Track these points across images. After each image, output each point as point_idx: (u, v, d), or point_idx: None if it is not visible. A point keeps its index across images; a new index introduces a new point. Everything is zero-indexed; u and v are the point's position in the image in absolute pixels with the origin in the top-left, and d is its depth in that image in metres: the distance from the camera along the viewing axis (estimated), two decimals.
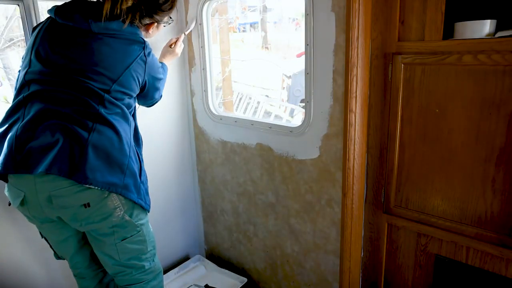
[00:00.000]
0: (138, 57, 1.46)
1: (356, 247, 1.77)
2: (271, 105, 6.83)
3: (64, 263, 2.01)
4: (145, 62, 1.50)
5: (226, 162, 2.25)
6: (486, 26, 1.28)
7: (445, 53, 1.35)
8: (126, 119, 1.47)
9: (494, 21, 1.29)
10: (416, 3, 1.39)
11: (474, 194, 1.40)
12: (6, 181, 1.41)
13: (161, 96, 1.81)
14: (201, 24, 2.13)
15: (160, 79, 1.69)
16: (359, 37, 1.48)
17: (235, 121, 2.12)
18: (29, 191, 1.33)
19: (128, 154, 1.42)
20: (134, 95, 1.55)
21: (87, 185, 1.29)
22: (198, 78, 2.26)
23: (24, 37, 1.74)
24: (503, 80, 1.25)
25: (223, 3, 4.25)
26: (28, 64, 1.40)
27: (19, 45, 4.29)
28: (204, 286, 2.24)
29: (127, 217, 1.44)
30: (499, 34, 1.27)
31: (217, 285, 2.26)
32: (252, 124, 2.03)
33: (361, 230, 1.78)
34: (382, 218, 1.69)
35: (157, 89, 1.70)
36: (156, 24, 1.54)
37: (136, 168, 1.46)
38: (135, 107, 1.61)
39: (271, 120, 3.60)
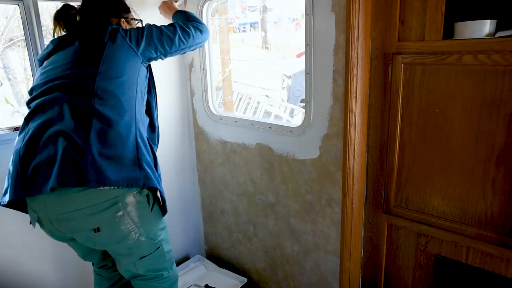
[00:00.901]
0: (108, 32, 1.43)
1: (356, 247, 1.77)
2: (271, 105, 6.83)
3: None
4: (118, 29, 1.45)
5: (226, 162, 2.25)
6: (486, 26, 1.28)
7: (445, 53, 1.35)
8: (126, 106, 1.37)
9: (494, 21, 1.29)
10: (416, 3, 1.39)
11: (474, 194, 1.40)
12: (21, 208, 1.38)
13: (185, 38, 1.60)
14: None
15: (157, 27, 1.55)
16: (359, 37, 1.48)
17: (235, 121, 2.12)
18: (41, 212, 1.31)
19: (134, 144, 1.34)
20: (135, 57, 1.44)
21: (102, 187, 1.23)
22: (198, 78, 2.26)
23: (24, 37, 1.74)
24: (503, 80, 1.25)
25: (223, 3, 4.25)
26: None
27: (19, 45, 4.29)
28: (204, 286, 2.24)
29: (142, 238, 1.39)
30: (499, 34, 1.27)
31: (217, 285, 2.26)
32: (252, 124, 2.03)
33: (361, 230, 1.78)
34: (382, 218, 1.69)
35: (162, 32, 1.54)
36: (124, 20, 1.59)
37: (150, 160, 1.39)
38: (150, 102, 1.55)
39: (271, 120, 3.60)
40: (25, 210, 1.39)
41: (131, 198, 1.33)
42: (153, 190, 1.41)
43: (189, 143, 2.46)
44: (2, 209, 1.77)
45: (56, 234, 1.38)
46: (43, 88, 1.36)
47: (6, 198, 1.27)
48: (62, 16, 1.50)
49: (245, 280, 2.28)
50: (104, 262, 1.66)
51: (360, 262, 1.82)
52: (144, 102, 1.51)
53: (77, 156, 1.23)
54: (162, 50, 1.53)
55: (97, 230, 1.30)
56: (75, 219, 1.28)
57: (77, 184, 1.21)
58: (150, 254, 1.45)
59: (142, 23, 1.65)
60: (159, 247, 1.47)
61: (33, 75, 1.79)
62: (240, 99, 6.80)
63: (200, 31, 1.66)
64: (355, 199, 1.68)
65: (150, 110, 1.59)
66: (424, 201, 1.54)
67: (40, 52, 1.75)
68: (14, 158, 1.29)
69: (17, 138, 1.37)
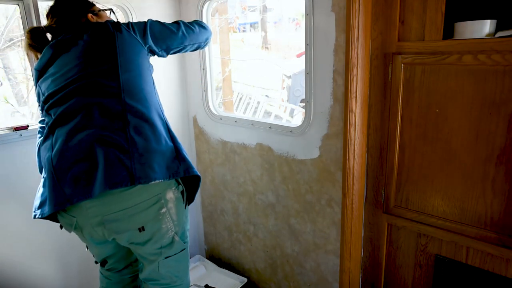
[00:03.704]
0: (110, 23, 1.39)
1: (356, 247, 1.77)
2: (271, 105, 6.83)
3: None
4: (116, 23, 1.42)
5: (226, 162, 2.25)
6: (486, 26, 1.28)
7: (445, 53, 1.35)
8: (150, 99, 1.37)
9: (494, 21, 1.29)
10: (416, 3, 1.39)
11: (474, 194, 1.40)
12: (55, 219, 1.36)
13: (188, 33, 1.57)
14: None
15: (160, 22, 1.52)
16: (359, 37, 1.48)
17: (235, 121, 2.12)
18: (80, 217, 1.29)
19: (169, 135, 1.36)
20: (143, 44, 1.41)
21: (153, 181, 1.23)
22: (198, 78, 2.26)
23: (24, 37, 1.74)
24: (503, 80, 1.25)
25: (223, 3, 4.25)
26: None
27: (19, 45, 4.29)
28: (204, 286, 2.24)
29: (176, 238, 1.40)
30: (499, 34, 1.27)
31: (217, 285, 2.26)
32: (252, 124, 2.03)
33: (361, 230, 1.78)
34: (382, 218, 1.69)
35: (166, 26, 1.51)
36: (91, 15, 1.50)
37: (184, 150, 1.39)
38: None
39: (271, 120, 3.60)
40: (54, 219, 1.37)
41: (170, 194, 1.34)
42: (189, 183, 1.42)
43: (189, 143, 2.46)
44: (4, 209, 1.77)
45: (93, 237, 1.36)
46: (60, 95, 1.32)
47: (46, 210, 1.25)
48: (36, 38, 1.43)
49: (245, 280, 2.28)
50: (118, 264, 1.62)
51: (360, 262, 1.82)
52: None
53: (121, 155, 1.22)
54: (164, 46, 1.51)
55: (142, 229, 1.29)
56: (120, 220, 1.27)
57: (126, 184, 1.20)
58: (176, 254, 1.44)
59: (113, 11, 1.61)
60: (184, 248, 1.46)
61: (33, 75, 1.79)
62: (240, 99, 6.80)
63: (204, 28, 1.65)
64: (355, 199, 1.68)
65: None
66: (424, 201, 1.54)
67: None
68: (48, 168, 1.26)
69: (39, 144, 1.37)
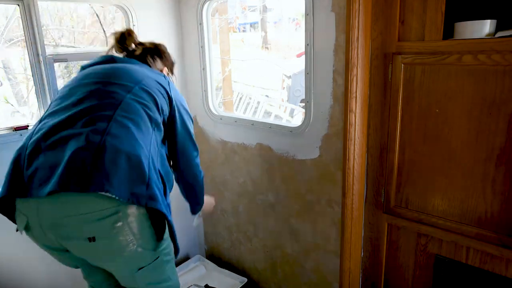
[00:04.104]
0: (161, 75, 1.51)
1: (356, 247, 1.77)
2: (271, 105, 6.84)
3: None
4: (168, 81, 1.51)
5: (226, 162, 2.25)
6: (486, 26, 1.28)
7: (445, 53, 1.35)
8: (148, 129, 1.32)
9: (494, 21, 1.29)
10: (416, 3, 1.39)
11: (474, 194, 1.40)
12: (8, 213, 1.30)
13: (197, 163, 1.65)
14: (201, 24, 2.14)
15: (189, 117, 1.60)
16: (359, 37, 1.48)
17: (235, 121, 2.12)
18: (32, 217, 1.22)
19: (148, 165, 1.25)
20: (160, 106, 1.41)
21: (104, 193, 1.14)
22: (198, 78, 2.26)
23: (24, 37, 1.74)
24: (503, 80, 1.25)
25: (223, 3, 4.25)
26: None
27: (19, 45, 4.29)
28: (204, 286, 2.24)
29: (140, 249, 1.28)
30: (499, 34, 1.27)
31: (217, 285, 2.26)
32: (252, 124, 2.03)
33: (361, 230, 1.78)
34: (382, 218, 1.69)
35: (188, 128, 1.57)
36: (167, 70, 1.71)
37: (159, 184, 1.29)
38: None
39: (271, 120, 3.60)
40: (11, 216, 1.31)
41: (133, 210, 1.23)
42: (158, 214, 1.29)
43: None
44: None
45: (44, 241, 1.28)
46: (70, 97, 1.35)
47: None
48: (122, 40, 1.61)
49: (245, 280, 2.28)
50: (105, 284, 1.57)
51: (360, 262, 1.82)
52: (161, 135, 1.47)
53: (86, 158, 1.15)
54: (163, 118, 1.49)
55: (92, 239, 1.19)
56: (70, 226, 1.19)
57: (79, 189, 1.13)
58: (149, 264, 1.35)
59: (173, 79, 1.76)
60: (158, 257, 1.36)
61: (33, 75, 1.79)
62: (240, 99, 6.80)
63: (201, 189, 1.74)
64: (355, 199, 1.68)
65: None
66: (424, 201, 1.54)
67: (40, 51, 1.75)
68: (18, 154, 1.23)
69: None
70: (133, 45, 1.63)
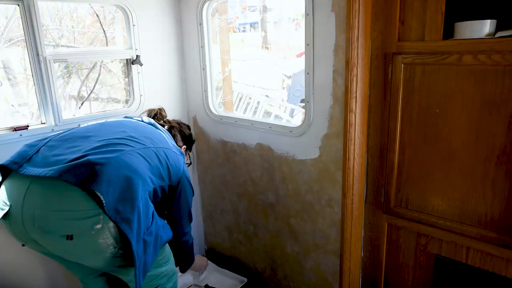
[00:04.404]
0: (181, 154, 1.64)
1: (356, 247, 1.77)
2: (271, 105, 6.83)
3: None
4: (181, 155, 1.64)
5: (226, 162, 2.25)
6: (486, 26, 1.28)
7: (445, 53, 1.35)
8: (155, 172, 1.44)
9: (494, 21, 1.29)
10: (416, 3, 1.39)
11: (474, 194, 1.40)
12: None
13: (188, 232, 1.79)
14: (201, 24, 2.14)
15: (190, 199, 1.71)
16: (359, 37, 1.48)
17: (235, 121, 2.12)
18: (15, 203, 1.25)
19: (139, 195, 1.29)
20: (166, 177, 1.50)
21: (92, 190, 1.19)
22: (198, 78, 2.26)
23: (24, 37, 1.74)
24: (503, 80, 1.25)
25: (223, 3, 4.25)
26: None
27: (19, 45, 4.29)
28: (204, 286, 2.24)
29: (122, 252, 1.30)
30: (499, 34, 1.26)
31: (217, 285, 2.26)
32: (252, 124, 2.03)
33: (361, 230, 1.78)
34: (382, 218, 1.69)
35: (187, 205, 1.69)
36: (185, 147, 1.92)
37: (145, 221, 1.31)
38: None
39: (271, 120, 3.60)
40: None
41: (106, 232, 1.25)
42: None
43: None
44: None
45: (19, 231, 1.30)
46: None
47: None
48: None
49: (245, 280, 2.28)
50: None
51: (360, 262, 1.82)
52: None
53: (94, 169, 1.23)
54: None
55: (69, 237, 1.21)
56: (50, 220, 1.22)
57: (78, 183, 1.18)
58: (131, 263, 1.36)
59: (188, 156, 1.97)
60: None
61: (33, 75, 1.79)
62: (240, 99, 6.80)
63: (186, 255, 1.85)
64: (355, 199, 1.68)
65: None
66: (424, 201, 1.54)
67: (40, 51, 1.75)
68: (38, 140, 1.39)
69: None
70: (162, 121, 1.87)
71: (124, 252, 1.30)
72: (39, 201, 1.23)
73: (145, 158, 1.40)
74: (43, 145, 1.37)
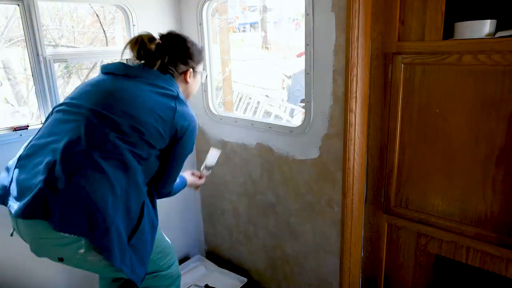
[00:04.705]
0: (167, 107, 1.38)
1: (356, 247, 1.77)
2: (271, 105, 6.84)
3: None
4: (174, 110, 1.38)
5: (226, 162, 2.25)
6: (486, 26, 1.28)
7: (445, 53, 1.35)
8: (129, 169, 1.28)
9: (494, 21, 1.29)
10: (416, 3, 1.39)
11: (474, 194, 1.40)
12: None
13: (165, 190, 1.55)
14: (201, 24, 2.14)
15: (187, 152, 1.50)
16: (359, 37, 1.48)
17: (235, 121, 2.12)
18: (15, 226, 1.29)
19: (109, 214, 1.21)
20: (153, 143, 1.34)
21: (60, 231, 1.15)
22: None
23: (24, 37, 1.74)
24: (503, 80, 1.25)
25: (223, 3, 4.25)
26: None
27: (19, 45, 4.29)
28: (204, 286, 2.24)
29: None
30: (499, 34, 1.26)
31: (217, 285, 2.26)
32: (252, 124, 2.03)
33: (361, 230, 1.78)
34: (382, 218, 1.69)
35: (180, 158, 1.49)
36: (191, 71, 1.51)
37: (123, 227, 1.26)
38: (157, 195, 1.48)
39: (271, 120, 3.60)
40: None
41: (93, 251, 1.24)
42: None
43: None
44: (4, 209, 1.77)
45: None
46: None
47: None
48: (141, 46, 1.43)
49: (245, 280, 2.28)
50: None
51: (360, 262, 1.82)
52: None
53: (49, 195, 1.17)
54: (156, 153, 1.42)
55: (61, 259, 1.26)
56: (43, 246, 1.25)
57: (44, 218, 1.15)
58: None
59: (204, 75, 1.65)
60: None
61: (33, 75, 1.79)
62: (240, 99, 6.80)
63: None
64: (355, 199, 1.68)
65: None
66: (424, 201, 1.54)
67: (40, 51, 1.75)
68: (17, 157, 1.31)
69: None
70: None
71: None
72: (26, 231, 1.25)
73: (109, 159, 1.24)
74: (15, 167, 1.28)
